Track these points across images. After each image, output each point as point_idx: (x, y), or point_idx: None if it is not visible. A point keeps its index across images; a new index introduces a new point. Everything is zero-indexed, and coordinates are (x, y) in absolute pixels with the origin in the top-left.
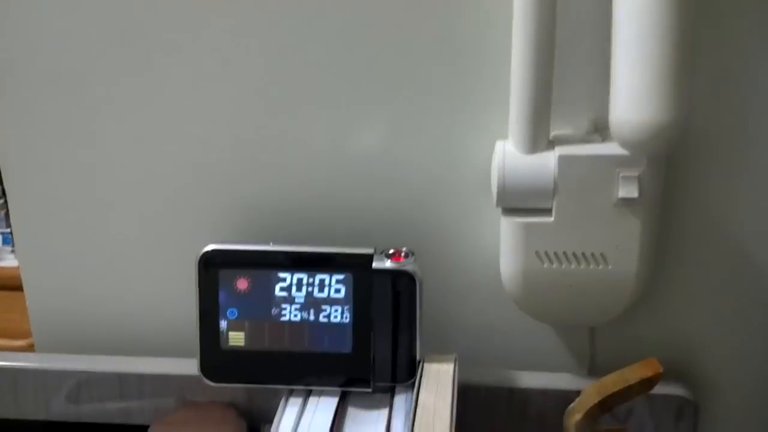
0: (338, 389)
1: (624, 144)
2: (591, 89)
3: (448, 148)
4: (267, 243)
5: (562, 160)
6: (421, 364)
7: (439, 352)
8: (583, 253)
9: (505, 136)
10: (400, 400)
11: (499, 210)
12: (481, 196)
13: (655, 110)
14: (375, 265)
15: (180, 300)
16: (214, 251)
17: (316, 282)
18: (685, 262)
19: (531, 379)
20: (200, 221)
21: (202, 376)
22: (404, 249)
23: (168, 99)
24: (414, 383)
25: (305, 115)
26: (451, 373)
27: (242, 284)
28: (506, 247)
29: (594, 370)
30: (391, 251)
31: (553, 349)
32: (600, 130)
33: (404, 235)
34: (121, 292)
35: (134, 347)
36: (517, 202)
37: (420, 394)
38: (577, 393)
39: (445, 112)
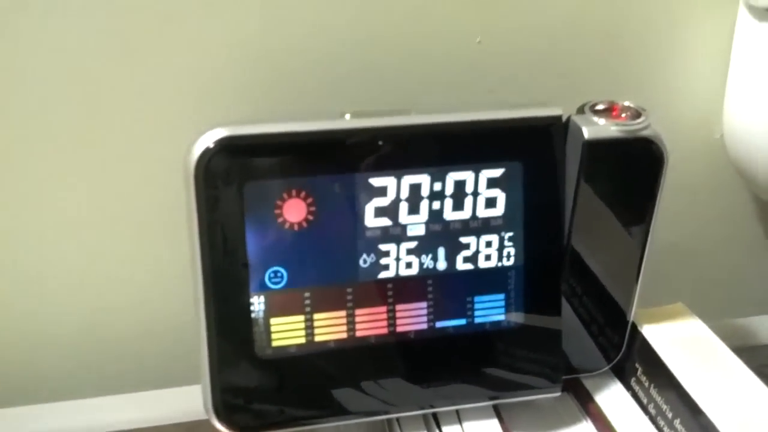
0: (490, 404)
1: None
2: None
3: None
4: (332, 117)
5: None
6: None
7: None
8: None
9: None
10: (610, 401)
11: None
12: None
13: None
14: (586, 133)
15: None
16: (230, 140)
17: (448, 188)
18: None
19: None
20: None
21: (216, 421)
22: (623, 102)
23: None
24: (621, 364)
25: None
26: (708, 332)
27: (294, 211)
28: None
29: None
30: (600, 105)
31: None
32: None
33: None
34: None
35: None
36: None
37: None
38: None
39: None
